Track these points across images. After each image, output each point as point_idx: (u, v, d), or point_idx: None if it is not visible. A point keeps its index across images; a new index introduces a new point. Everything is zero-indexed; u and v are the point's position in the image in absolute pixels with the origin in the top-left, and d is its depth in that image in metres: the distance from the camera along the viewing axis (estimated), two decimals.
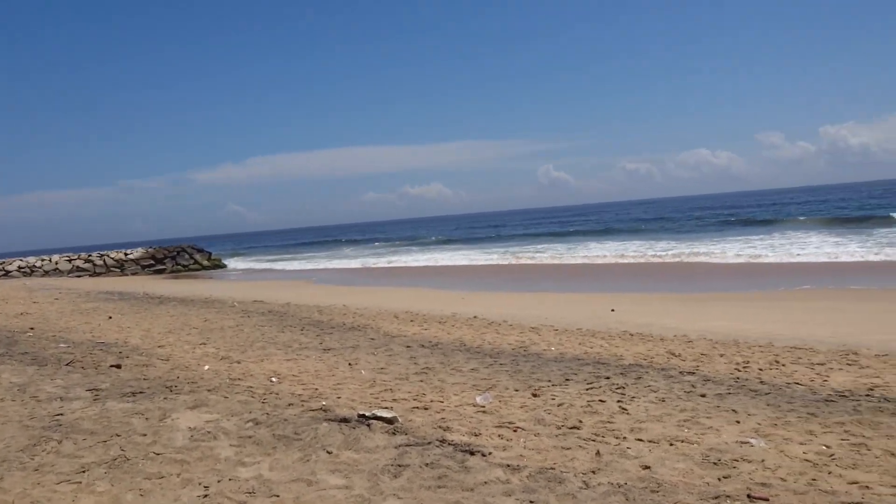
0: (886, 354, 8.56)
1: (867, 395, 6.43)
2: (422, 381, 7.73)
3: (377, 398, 6.81)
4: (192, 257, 51.25)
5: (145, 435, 5.49)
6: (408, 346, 10.34)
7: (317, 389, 7.28)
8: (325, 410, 6.18)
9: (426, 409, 6.34)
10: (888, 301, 13.91)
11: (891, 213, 39.12)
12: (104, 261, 48.16)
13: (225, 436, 5.45)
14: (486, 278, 27.31)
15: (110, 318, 15.49)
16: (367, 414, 5.78)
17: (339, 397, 6.84)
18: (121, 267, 48.07)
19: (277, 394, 7.02)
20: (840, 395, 6.46)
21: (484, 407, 6.36)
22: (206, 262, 52.03)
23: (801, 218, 46.40)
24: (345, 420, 5.78)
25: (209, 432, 5.54)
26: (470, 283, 25.55)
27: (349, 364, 8.92)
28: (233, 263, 56.39)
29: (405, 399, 6.77)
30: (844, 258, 23.14)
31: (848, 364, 8.02)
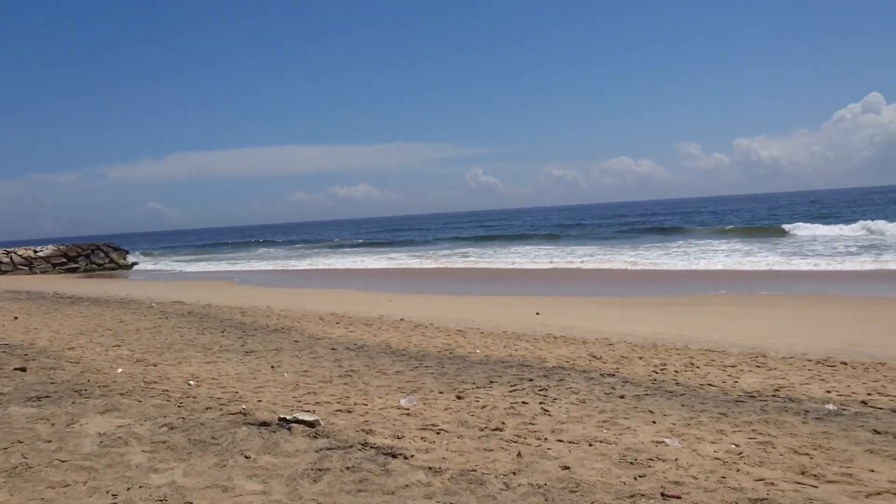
0: (792, 357, 9.02)
1: (773, 396, 6.75)
2: (346, 383, 7.63)
3: (300, 401, 6.68)
4: (107, 256, 49.12)
5: (50, 441, 5.20)
6: (333, 349, 10.20)
7: (237, 393, 7.08)
8: (244, 414, 6.02)
9: (350, 411, 6.26)
10: (794, 307, 14.66)
11: (782, 225, 41.46)
12: (11, 258, 45.57)
13: (137, 441, 5.22)
14: (413, 281, 27.30)
15: (16, 318, 14.67)
16: (287, 417, 5.66)
17: (259, 401, 6.67)
18: (29, 265, 45.59)
19: (195, 397, 6.79)
20: (749, 396, 6.76)
21: (408, 409, 6.33)
22: (122, 261, 50.01)
23: (715, 227, 48.42)
24: (265, 424, 5.64)
25: (120, 438, 5.29)
26: (397, 285, 25.47)
27: (272, 367, 8.73)
28: (151, 262, 54.39)
29: (328, 402, 6.67)
30: (752, 266, 24.26)
31: (757, 366, 8.40)
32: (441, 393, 7.06)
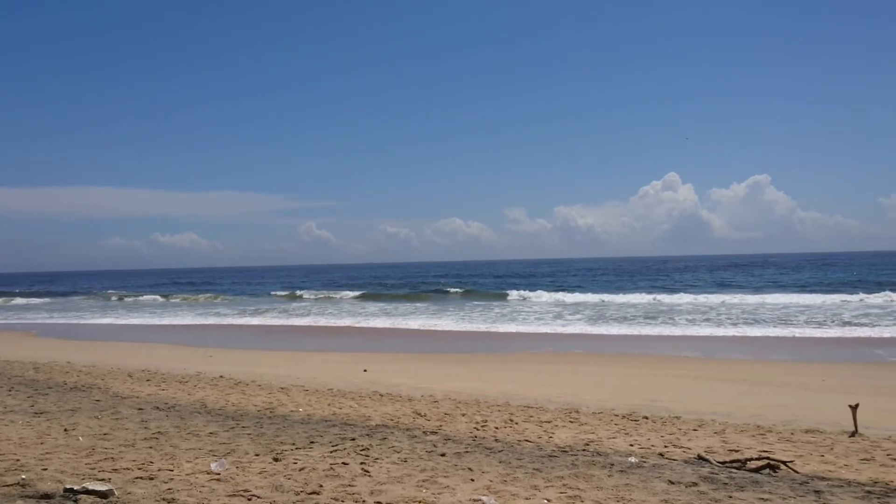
0: (601, 412, 9.59)
1: (583, 450, 7.10)
2: (151, 447, 7.00)
3: (94, 468, 6.00)
4: None
5: None
6: (140, 409, 9.38)
7: (18, 460, 6.23)
8: (23, 486, 5.29)
9: (152, 478, 5.72)
10: (604, 365, 15.72)
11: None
12: None
13: None
14: (237, 335, 26.06)
15: None
16: (75, 488, 5.04)
17: (45, 469, 5.91)
18: None
19: None
20: (562, 451, 7.05)
21: (219, 474, 5.90)
22: None
23: (536, 290, 51.26)
24: (46, 496, 4.98)
25: None
26: (219, 339, 24.17)
27: (65, 430, 7.82)
28: None
29: (128, 468, 6.05)
30: (569, 328, 25.80)
31: (570, 421, 8.83)
32: (257, 455, 6.67)
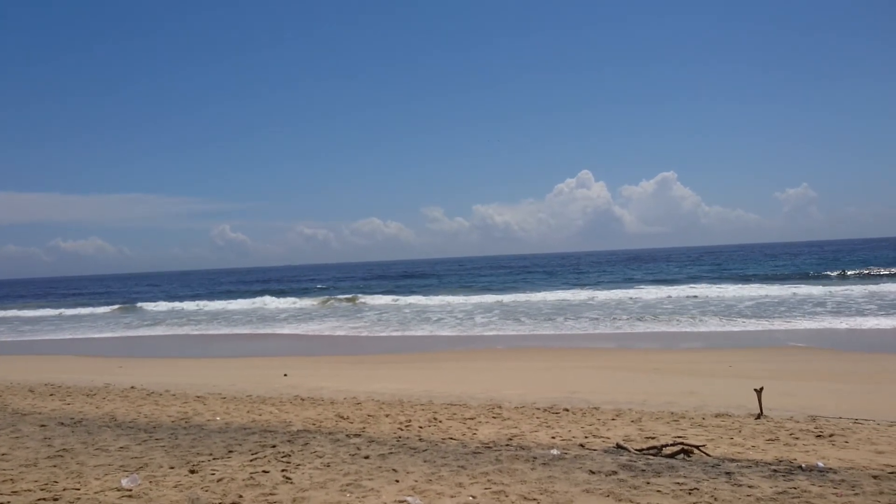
0: (523, 406, 9.73)
1: (507, 445, 7.18)
2: (55, 465, 6.59)
3: None
4: None
5: None
6: (42, 426, 8.83)
7: None
8: None
9: (56, 499, 5.39)
10: (524, 360, 15.97)
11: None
12: None
13: None
14: (149, 344, 25.00)
15: None
16: None
17: None
18: None
19: None
20: (486, 447, 7.10)
21: (130, 490, 5.62)
22: None
23: (456, 287, 51.66)
24: None
25: None
26: (130, 349, 23.13)
27: None
28: None
29: (29, 490, 5.68)
30: (478, 329, 26.12)
31: (493, 417, 8.91)
32: (172, 468, 6.40)
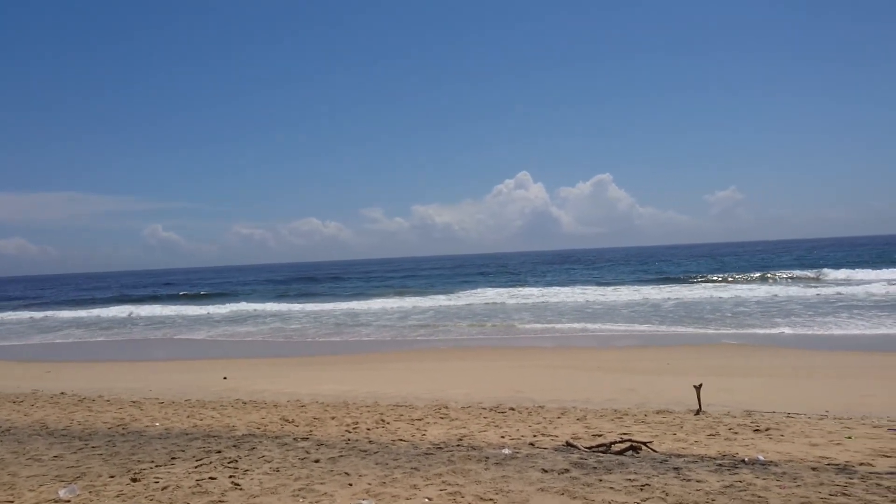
0: (470, 406, 9.76)
1: (458, 445, 7.18)
2: None
3: None
4: None
5: None
6: None
7: None
8: None
9: None
10: (468, 360, 16.04)
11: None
12: None
13: None
14: (77, 349, 23.96)
15: None
16: None
17: None
18: None
19: None
20: (437, 448, 7.08)
21: (69, 501, 5.36)
22: None
23: (390, 288, 51.46)
24: None
25: None
26: (57, 353, 22.11)
27: None
28: None
29: None
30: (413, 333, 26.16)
31: (441, 417, 8.90)
32: (112, 477, 6.13)
